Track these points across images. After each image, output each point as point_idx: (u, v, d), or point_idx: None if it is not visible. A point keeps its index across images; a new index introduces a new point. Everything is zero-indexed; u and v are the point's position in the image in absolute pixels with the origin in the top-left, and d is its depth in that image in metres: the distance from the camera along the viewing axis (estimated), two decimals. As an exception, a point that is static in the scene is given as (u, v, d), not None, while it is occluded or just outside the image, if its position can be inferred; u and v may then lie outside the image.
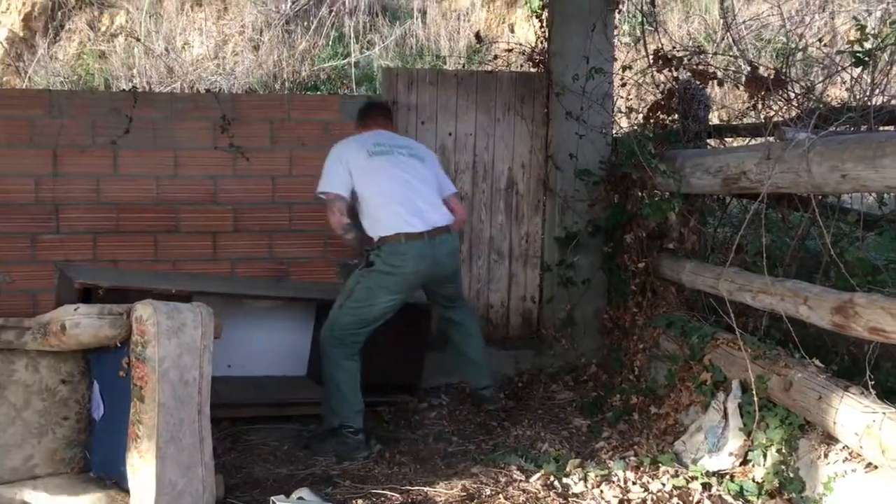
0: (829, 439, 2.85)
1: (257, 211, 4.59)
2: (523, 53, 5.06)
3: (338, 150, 3.77)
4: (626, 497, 3.06)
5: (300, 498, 2.92)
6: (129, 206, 4.45)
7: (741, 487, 3.07)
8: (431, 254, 3.65)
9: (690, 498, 3.05)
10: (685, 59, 4.35)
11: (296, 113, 4.61)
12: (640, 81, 4.97)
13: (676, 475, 3.23)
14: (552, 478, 3.20)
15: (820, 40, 5.71)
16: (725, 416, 3.33)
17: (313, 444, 3.70)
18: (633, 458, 3.45)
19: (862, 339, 2.75)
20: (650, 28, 4.72)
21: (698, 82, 4.36)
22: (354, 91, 8.42)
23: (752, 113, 3.97)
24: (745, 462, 3.21)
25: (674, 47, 4.57)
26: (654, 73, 4.43)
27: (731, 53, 4.96)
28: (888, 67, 3.51)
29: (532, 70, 4.93)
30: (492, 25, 9.80)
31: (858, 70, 3.48)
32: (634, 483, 3.17)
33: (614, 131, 4.83)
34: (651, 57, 4.36)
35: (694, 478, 3.18)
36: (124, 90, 5.20)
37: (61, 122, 4.35)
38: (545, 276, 4.93)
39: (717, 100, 6.55)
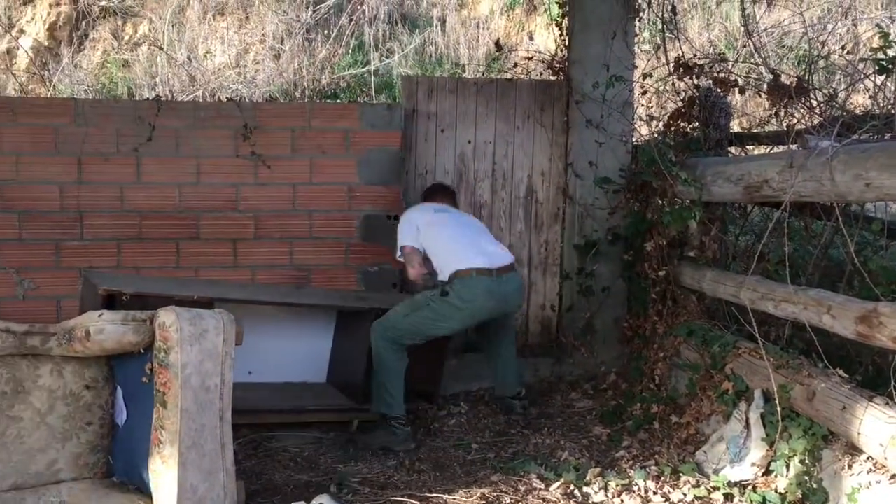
0: (853, 450, 2.82)
1: (278, 218, 4.62)
2: (543, 61, 5.07)
3: (406, 213, 4.18)
4: (646, 507, 3.05)
5: (320, 504, 2.93)
6: (151, 214, 4.49)
7: (763, 498, 3.04)
8: (499, 291, 3.86)
9: (712, 508, 3.03)
10: (706, 66, 4.33)
11: (316, 121, 4.63)
12: (661, 89, 4.96)
13: (698, 485, 3.21)
14: (572, 486, 3.19)
15: (843, 48, 5.67)
16: (747, 425, 3.30)
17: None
18: (653, 468, 3.42)
19: (886, 350, 2.72)
20: (671, 36, 4.71)
21: (719, 90, 4.34)
22: (374, 99, 8.46)
23: (774, 121, 3.96)
24: (767, 473, 3.17)
25: (695, 55, 4.56)
26: (675, 80, 4.41)
27: (752, 61, 4.93)
28: (912, 75, 3.48)
29: (552, 78, 4.94)
30: (511, 33, 9.81)
31: (882, 78, 3.45)
32: (655, 493, 3.16)
33: (634, 139, 4.82)
34: (672, 65, 4.35)
35: (716, 488, 3.15)
36: (148, 99, 5.26)
37: (86, 130, 4.40)
38: (565, 284, 4.92)
39: (738, 107, 6.51)
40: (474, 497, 3.12)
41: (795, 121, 3.77)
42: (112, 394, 2.92)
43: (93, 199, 4.43)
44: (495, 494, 3.14)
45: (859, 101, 5.25)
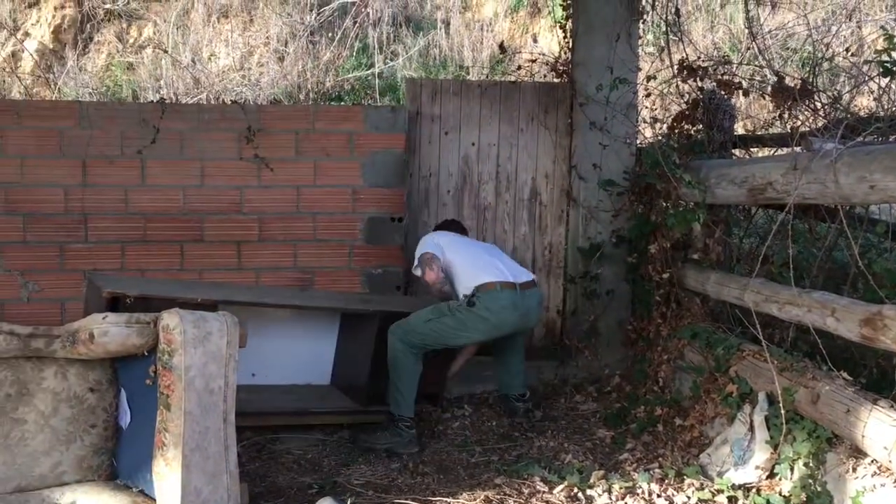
0: (858, 453, 2.81)
1: (282, 221, 4.63)
2: (547, 64, 5.07)
3: (426, 236, 4.21)
4: (650, 510, 3.04)
5: (324, 507, 2.92)
6: (156, 216, 4.50)
7: (767, 501, 3.03)
8: (523, 304, 3.90)
9: (716, 511, 3.03)
10: (710, 69, 4.33)
11: (320, 124, 4.64)
12: (665, 91, 4.96)
13: (702, 488, 3.20)
14: (576, 489, 3.18)
15: (847, 50, 5.67)
16: (751, 428, 3.30)
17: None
18: (657, 471, 3.42)
19: (891, 352, 2.72)
20: (675, 38, 4.71)
21: (723, 92, 4.34)
22: (378, 102, 8.47)
23: (778, 123, 3.95)
24: (771, 475, 3.17)
25: (699, 57, 4.56)
26: (679, 83, 4.41)
27: (756, 63, 4.93)
28: (917, 77, 3.47)
29: (555, 80, 4.93)
30: (515, 36, 9.81)
31: (886, 80, 3.44)
32: (659, 496, 3.15)
33: (638, 141, 4.82)
34: (676, 67, 4.34)
35: (720, 491, 3.15)
36: (152, 101, 5.27)
37: (90, 132, 4.41)
38: (569, 286, 4.91)
39: (742, 110, 6.51)
40: (478, 500, 3.12)
41: (799, 123, 3.76)
42: (116, 396, 2.92)
43: (97, 202, 4.45)
44: (499, 497, 3.14)
45: (863, 103, 5.24)
